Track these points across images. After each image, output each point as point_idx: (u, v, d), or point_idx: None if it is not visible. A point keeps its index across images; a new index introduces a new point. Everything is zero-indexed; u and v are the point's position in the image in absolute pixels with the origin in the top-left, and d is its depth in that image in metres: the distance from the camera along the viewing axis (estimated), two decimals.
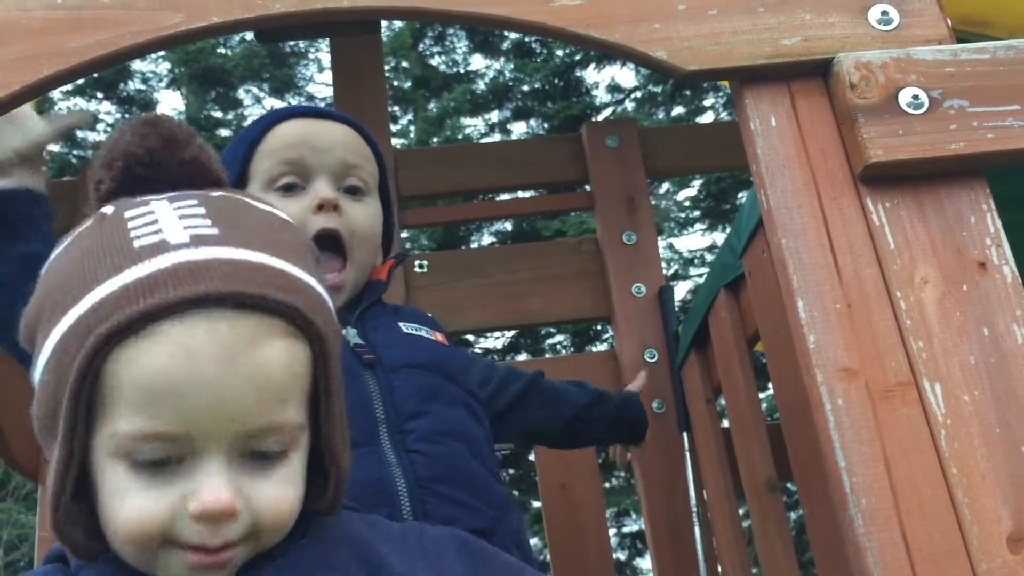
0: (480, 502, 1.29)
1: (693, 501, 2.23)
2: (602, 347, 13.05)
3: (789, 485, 2.55)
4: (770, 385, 1.98)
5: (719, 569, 2.20)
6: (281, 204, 1.34)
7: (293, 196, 1.39)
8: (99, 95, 12.98)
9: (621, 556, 12.14)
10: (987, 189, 1.09)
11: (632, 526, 12.78)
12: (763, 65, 1.13)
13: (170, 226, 0.83)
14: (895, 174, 1.08)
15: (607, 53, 1.19)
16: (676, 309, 2.44)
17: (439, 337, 1.46)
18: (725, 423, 2.22)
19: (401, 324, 1.42)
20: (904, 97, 1.08)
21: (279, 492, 0.82)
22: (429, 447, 1.29)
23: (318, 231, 1.35)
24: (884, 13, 1.14)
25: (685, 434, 2.29)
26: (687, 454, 2.27)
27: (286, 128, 1.44)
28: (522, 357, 11.25)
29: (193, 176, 0.92)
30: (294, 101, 14.24)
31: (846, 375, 1.01)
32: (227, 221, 0.85)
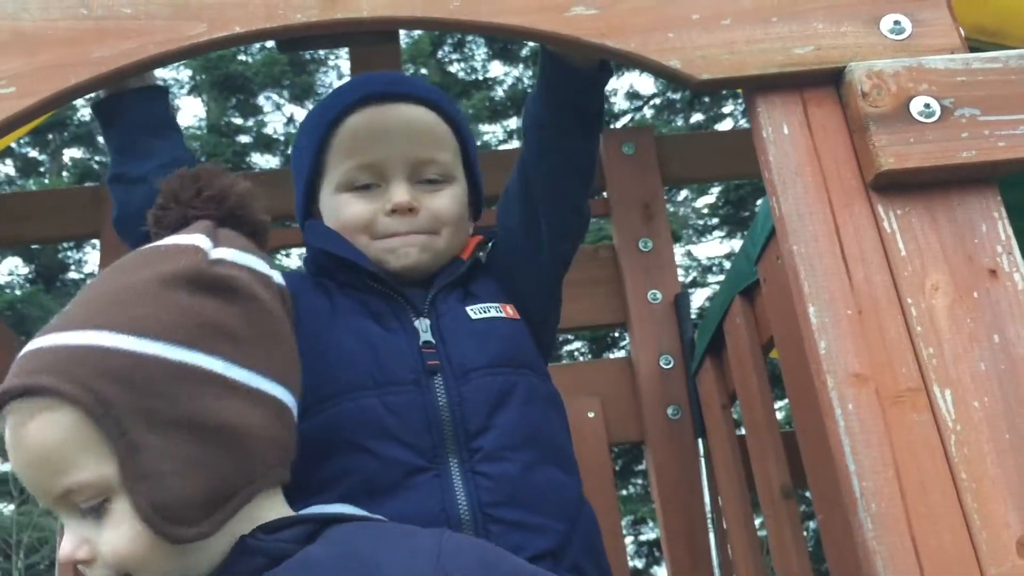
0: (548, 518, 1.22)
1: (708, 508, 2.24)
2: (619, 354, 13.06)
3: (806, 494, 2.56)
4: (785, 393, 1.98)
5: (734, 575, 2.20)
6: (358, 204, 1.37)
7: (370, 195, 1.37)
8: None
9: (638, 564, 12.13)
10: (998, 197, 1.09)
11: (649, 534, 12.75)
12: (776, 74, 1.14)
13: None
14: (906, 182, 1.09)
15: (622, 63, 1.20)
16: (692, 316, 2.45)
17: (510, 312, 1.36)
18: (740, 430, 2.23)
19: (469, 309, 1.34)
20: (916, 106, 1.09)
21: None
22: (494, 467, 1.21)
23: (392, 233, 1.35)
24: (896, 23, 1.15)
25: (700, 440, 2.30)
26: (702, 460, 2.28)
27: (356, 123, 1.38)
28: None
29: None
30: None
31: (856, 381, 1.02)
32: (81, 299, 1.01)
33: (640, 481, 12.84)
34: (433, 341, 1.28)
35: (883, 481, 0.97)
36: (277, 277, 1.10)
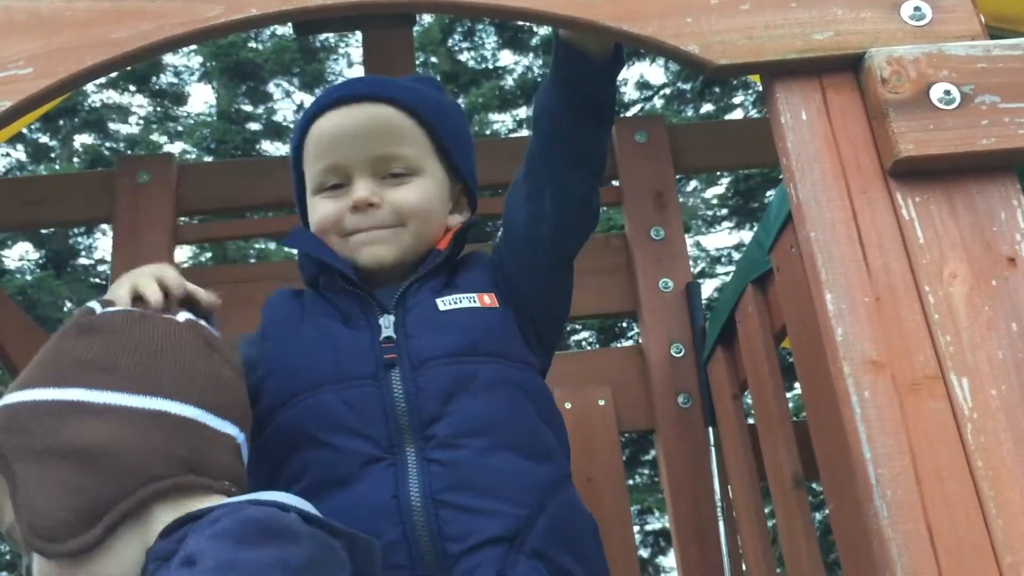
0: (503, 503, 1.22)
1: (718, 496, 2.24)
2: (627, 343, 13.05)
3: (814, 485, 2.55)
4: (796, 384, 1.97)
5: (743, 565, 2.20)
6: (326, 205, 1.41)
7: (338, 194, 1.41)
8: (131, 88, 13.13)
9: (644, 553, 12.14)
10: (1017, 185, 1.09)
11: (655, 524, 12.76)
12: (794, 59, 1.14)
13: None
14: (925, 169, 1.08)
15: (639, 48, 1.20)
16: (703, 305, 2.44)
17: (487, 301, 1.37)
18: (750, 419, 2.23)
19: (440, 300, 1.35)
20: (936, 92, 1.08)
21: None
22: (447, 454, 1.23)
23: (355, 228, 1.38)
24: (917, 9, 1.15)
25: (711, 429, 2.29)
26: (712, 449, 2.28)
27: (321, 127, 1.42)
28: None
29: None
30: None
31: (873, 368, 1.01)
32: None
33: (646, 471, 12.85)
34: (394, 336, 1.31)
35: (899, 468, 0.97)
36: (183, 316, 1.22)
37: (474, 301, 1.36)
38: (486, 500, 1.21)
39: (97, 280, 14.09)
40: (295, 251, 1.55)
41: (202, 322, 1.23)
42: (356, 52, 14.54)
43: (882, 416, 0.99)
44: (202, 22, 1.13)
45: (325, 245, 1.40)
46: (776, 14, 1.15)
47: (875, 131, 1.11)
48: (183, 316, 1.21)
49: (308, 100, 14.27)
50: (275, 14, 1.14)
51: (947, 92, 1.08)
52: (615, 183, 2.61)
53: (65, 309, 13.39)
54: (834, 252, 1.06)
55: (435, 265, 1.39)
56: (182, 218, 2.57)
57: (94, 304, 1.21)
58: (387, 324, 1.32)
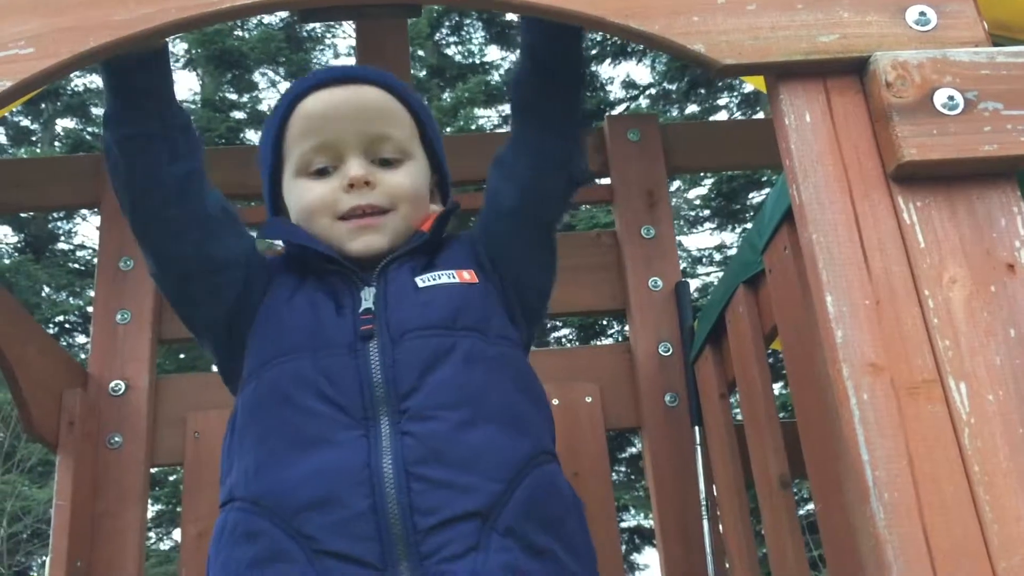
0: (478, 477, 1.19)
1: (703, 496, 2.25)
2: (607, 341, 13.07)
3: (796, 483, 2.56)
4: (775, 384, 1.97)
5: (727, 565, 2.21)
6: (318, 187, 1.39)
7: (327, 178, 1.40)
8: None
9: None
10: (1018, 192, 1.09)
11: (631, 521, 12.80)
12: (799, 61, 1.14)
13: None
14: (927, 174, 1.08)
15: (645, 44, 1.19)
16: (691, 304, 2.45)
17: (466, 276, 1.37)
18: (737, 418, 2.23)
19: (419, 279, 1.35)
20: (939, 98, 1.09)
21: None
22: (421, 427, 1.21)
23: (350, 208, 1.37)
24: (922, 14, 1.15)
25: (697, 428, 2.30)
26: (698, 448, 2.28)
27: (309, 106, 1.41)
28: None
29: None
30: None
31: (872, 370, 1.01)
32: None
33: (624, 468, 12.89)
34: (373, 308, 1.31)
35: (896, 471, 0.97)
36: None
37: (453, 277, 1.36)
38: (459, 474, 1.19)
39: (76, 265, 13.97)
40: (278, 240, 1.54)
41: None
42: (343, 43, 14.48)
43: (880, 419, 0.99)
44: (206, 6, 1.11)
45: (302, 230, 1.40)
46: (782, 15, 1.15)
47: (878, 135, 1.11)
48: None
49: None
50: (281, 0, 1.13)
51: (951, 98, 1.09)
52: (607, 180, 2.61)
53: (43, 294, 13.28)
54: (835, 254, 1.06)
55: (416, 245, 1.39)
56: None
57: None
58: (367, 296, 1.32)
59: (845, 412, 1.01)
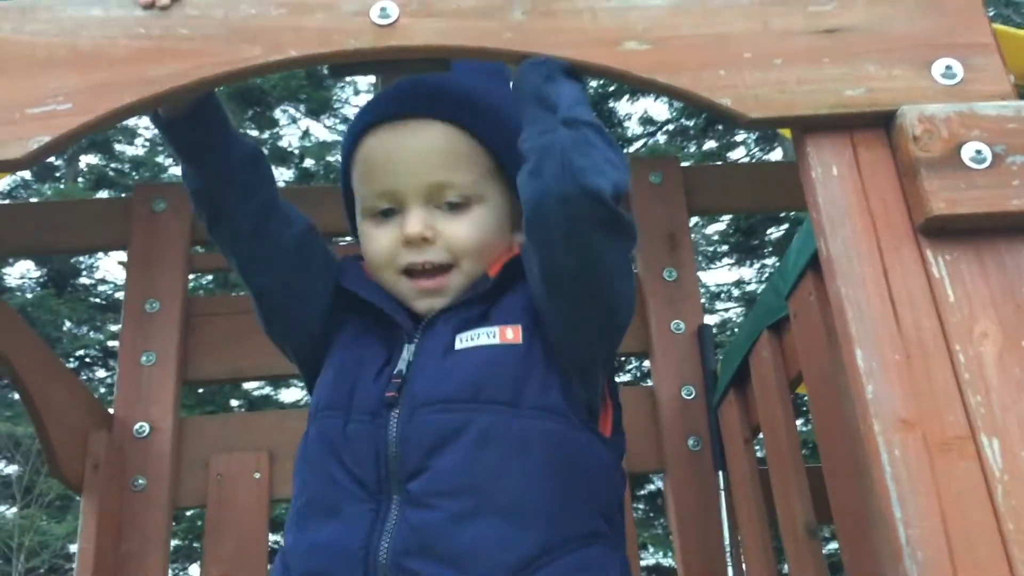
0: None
1: (727, 541, 2.23)
2: (625, 376, 13.01)
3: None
4: (803, 420, 1.96)
5: None
6: (378, 238, 1.33)
7: (389, 224, 1.33)
8: None
9: None
10: None
11: (649, 559, 12.67)
12: (826, 115, 1.14)
13: None
14: (956, 228, 1.08)
15: (673, 98, 1.20)
16: (715, 347, 2.44)
17: (509, 336, 1.24)
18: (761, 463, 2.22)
19: (459, 336, 1.25)
20: (967, 152, 1.09)
21: None
22: (417, 515, 1.15)
23: (409, 263, 1.30)
24: (948, 68, 1.15)
25: (720, 473, 2.28)
26: (722, 493, 2.27)
27: (369, 148, 1.34)
28: None
29: None
30: (330, 123, 14.38)
31: (904, 426, 1.01)
32: None
33: (642, 506, 12.79)
34: (403, 371, 1.25)
35: (929, 529, 0.97)
36: None
37: (493, 336, 1.24)
38: (447, 570, 1.11)
39: (98, 300, 14.08)
40: None
41: None
42: (362, 80, 14.61)
43: (912, 476, 0.99)
44: (240, 63, 1.13)
45: (372, 285, 1.35)
46: (809, 70, 1.16)
47: (905, 188, 1.11)
48: None
49: (314, 126, 14.33)
50: (312, 56, 1.15)
51: (979, 152, 1.09)
52: None
53: (64, 328, 13.37)
54: (864, 309, 1.06)
55: (477, 294, 1.30)
56: (196, 247, 2.57)
57: None
58: (407, 356, 1.26)
59: (877, 469, 1.00)
